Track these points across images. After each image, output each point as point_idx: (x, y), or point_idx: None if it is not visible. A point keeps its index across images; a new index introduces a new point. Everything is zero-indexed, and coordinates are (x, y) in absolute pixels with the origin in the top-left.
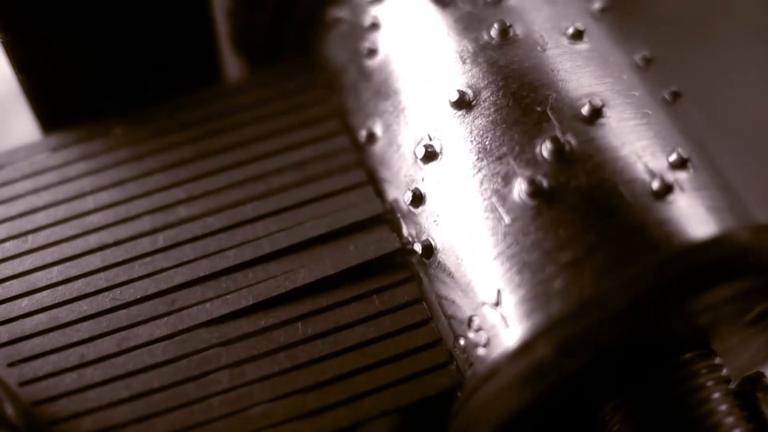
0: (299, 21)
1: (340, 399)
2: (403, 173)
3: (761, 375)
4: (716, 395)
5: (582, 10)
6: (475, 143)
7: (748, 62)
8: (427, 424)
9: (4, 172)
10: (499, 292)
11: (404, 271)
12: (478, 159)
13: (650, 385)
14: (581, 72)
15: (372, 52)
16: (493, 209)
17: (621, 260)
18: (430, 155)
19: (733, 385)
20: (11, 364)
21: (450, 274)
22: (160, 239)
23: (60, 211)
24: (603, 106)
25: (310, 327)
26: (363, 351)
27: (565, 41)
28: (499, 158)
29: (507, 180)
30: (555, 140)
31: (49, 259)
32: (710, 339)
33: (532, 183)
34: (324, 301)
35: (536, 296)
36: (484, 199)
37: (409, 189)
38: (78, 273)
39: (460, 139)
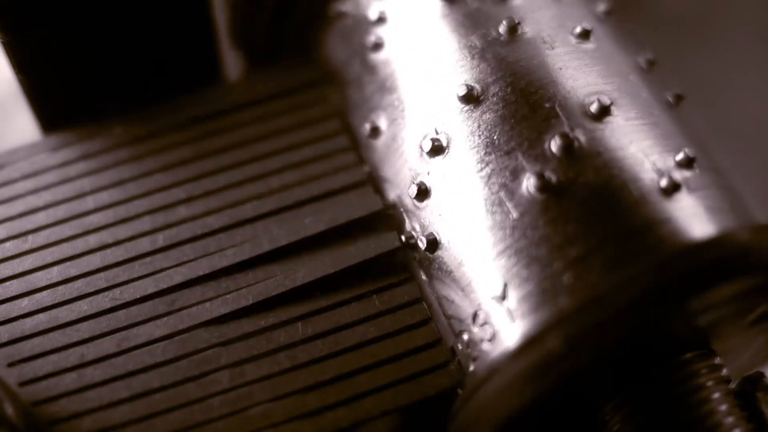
0: (299, 20)
1: (340, 399)
2: (407, 167)
3: (761, 375)
4: (716, 395)
5: (587, 11)
6: (482, 138)
7: (748, 62)
8: (427, 424)
9: (4, 172)
10: (505, 286)
11: (404, 270)
12: (486, 153)
13: (650, 385)
14: (589, 71)
15: (378, 45)
16: (501, 203)
17: (630, 256)
18: (437, 149)
19: (733, 385)
20: (11, 364)
21: (454, 270)
22: (160, 239)
23: (60, 211)
24: (611, 104)
25: (310, 327)
26: (363, 351)
27: (572, 40)
28: (508, 153)
29: (515, 175)
30: (564, 136)
31: (49, 259)
32: (710, 339)
33: (541, 178)
34: (324, 301)
35: (544, 291)
36: (492, 194)
37: (414, 183)
38: (78, 273)
39: (468, 134)
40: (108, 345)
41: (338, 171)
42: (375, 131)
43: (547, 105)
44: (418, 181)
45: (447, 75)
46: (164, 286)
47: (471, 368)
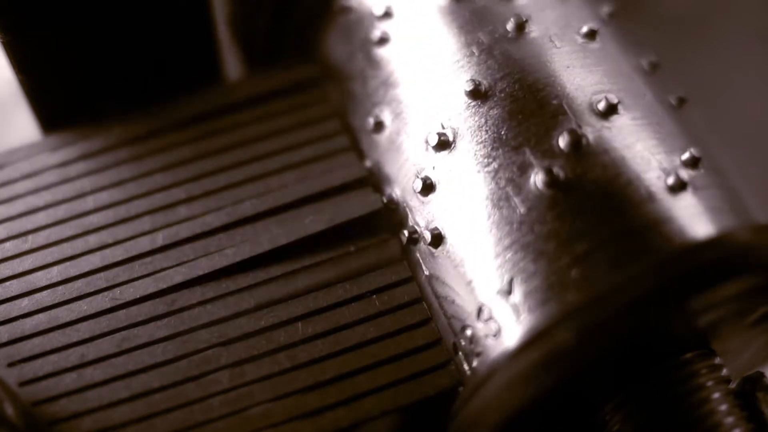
0: (300, 20)
1: (340, 399)
2: (411, 162)
3: (761, 375)
4: (716, 395)
5: (592, 12)
6: (490, 133)
7: (748, 62)
8: (427, 424)
9: (4, 172)
10: (511, 281)
11: (404, 270)
12: (493, 149)
13: (650, 385)
14: (595, 70)
15: (383, 40)
16: (508, 198)
17: (637, 253)
18: (443, 144)
19: (733, 385)
20: (11, 364)
21: (458, 265)
22: (160, 239)
23: (60, 211)
24: (618, 102)
25: (310, 327)
26: (363, 351)
27: (578, 39)
28: (515, 148)
29: (523, 170)
30: (572, 132)
31: (49, 259)
32: (711, 339)
33: (549, 173)
34: (324, 301)
35: (551, 285)
36: (499, 188)
37: (418, 177)
38: (78, 273)
39: (475, 129)
40: (108, 345)
41: (338, 171)
42: (379, 126)
43: (554, 102)
44: (422, 175)
45: (454, 71)
46: (164, 286)
47: (474, 364)
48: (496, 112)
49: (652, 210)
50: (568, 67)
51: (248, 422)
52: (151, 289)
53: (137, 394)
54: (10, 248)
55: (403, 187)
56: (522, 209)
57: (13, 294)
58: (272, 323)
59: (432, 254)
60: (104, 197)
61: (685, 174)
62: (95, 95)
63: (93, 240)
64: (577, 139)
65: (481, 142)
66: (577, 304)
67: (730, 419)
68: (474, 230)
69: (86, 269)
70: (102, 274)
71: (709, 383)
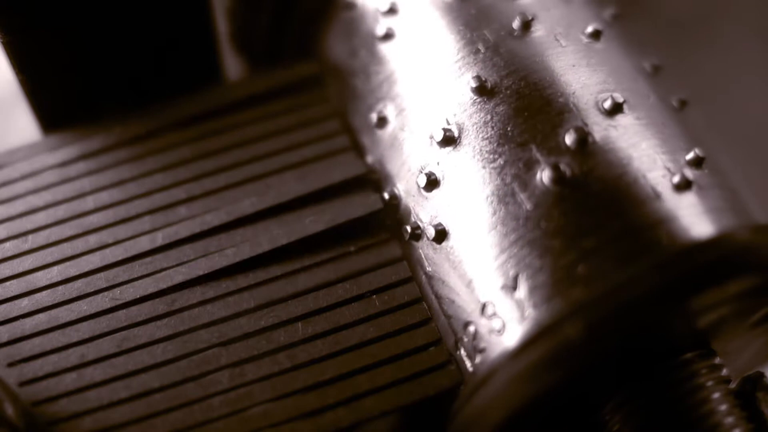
0: (301, 19)
1: (340, 399)
2: (415, 157)
3: (761, 375)
4: (716, 395)
5: (595, 14)
6: (496, 129)
7: (748, 63)
8: (427, 424)
9: (4, 172)
10: (516, 276)
11: (404, 270)
12: (499, 145)
13: (650, 384)
14: (600, 69)
15: (388, 36)
16: (514, 194)
17: (645, 250)
18: (448, 139)
19: (733, 385)
20: (11, 364)
21: (462, 260)
22: (160, 239)
23: (60, 211)
24: (624, 102)
25: (310, 327)
26: (363, 351)
27: (583, 39)
28: (522, 145)
29: (529, 166)
30: (579, 130)
31: (49, 259)
32: (711, 339)
33: (556, 170)
34: (324, 301)
35: (557, 281)
36: (505, 184)
37: (422, 172)
38: (78, 273)
39: (481, 125)
40: (108, 345)
41: (338, 169)
42: (382, 121)
43: (560, 100)
44: (427, 170)
45: (459, 67)
46: (164, 286)
47: (477, 360)
48: (502, 108)
49: (658, 208)
50: (573, 65)
51: (248, 422)
52: (151, 289)
53: (137, 394)
54: (10, 248)
55: (406, 182)
56: (528, 205)
57: (13, 294)
58: (272, 323)
59: (435, 250)
60: (104, 197)
61: (689, 173)
62: (95, 95)
63: (93, 240)
64: (583, 137)
65: (487, 138)
66: (584, 300)
67: (730, 419)
68: (479, 226)
69: (86, 269)
70: (102, 274)
71: (710, 383)
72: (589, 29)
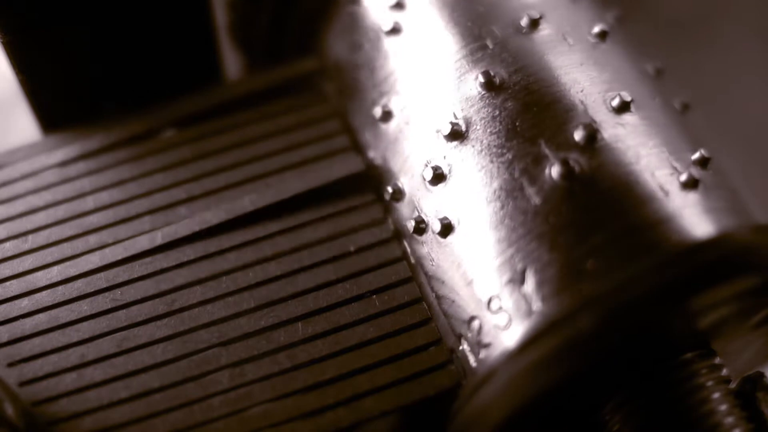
0: (303, 15)
1: (340, 399)
2: (420, 151)
3: (761, 375)
4: (716, 395)
5: (599, 16)
6: (504, 124)
7: (748, 63)
8: (427, 424)
9: (4, 172)
10: (524, 270)
11: (404, 270)
12: (507, 139)
13: (650, 384)
14: (607, 69)
15: (395, 30)
16: (522, 189)
17: (654, 246)
18: (456, 134)
19: (733, 385)
20: (11, 364)
21: (468, 254)
22: (159, 239)
23: (60, 211)
24: (632, 100)
25: (310, 327)
26: (363, 351)
27: (590, 39)
28: (530, 140)
29: (538, 161)
30: (588, 126)
31: (49, 259)
32: (711, 339)
33: (566, 165)
34: (324, 301)
35: (565, 276)
36: (513, 179)
37: (428, 166)
38: (78, 273)
39: (489, 120)
40: (108, 345)
41: (337, 168)
42: (387, 115)
43: (569, 96)
44: (433, 164)
45: (467, 62)
46: (164, 286)
47: (481, 355)
48: (510, 104)
49: (665, 206)
50: (581, 64)
51: (248, 422)
52: (152, 290)
53: (137, 394)
54: (10, 248)
55: (410, 176)
56: (537, 200)
57: (13, 294)
58: (272, 323)
59: (439, 244)
60: (104, 197)
61: (696, 173)
62: (95, 95)
63: (93, 240)
64: (592, 133)
65: (495, 132)
66: (595, 294)
67: (730, 419)
68: (486, 219)
69: (86, 269)
70: (102, 274)
71: (710, 383)
72: (596, 30)
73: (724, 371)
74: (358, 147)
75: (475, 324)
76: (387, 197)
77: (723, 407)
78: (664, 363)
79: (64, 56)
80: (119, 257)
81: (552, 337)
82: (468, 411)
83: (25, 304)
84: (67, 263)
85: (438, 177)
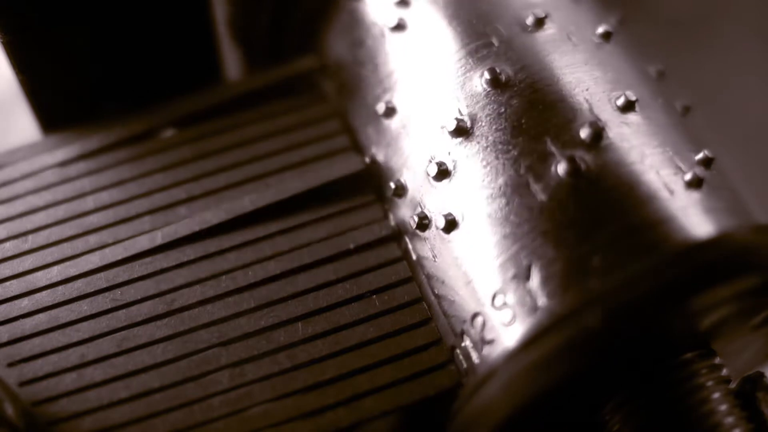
0: (304, 13)
1: (340, 399)
2: (424, 147)
3: (761, 375)
4: (716, 395)
5: (602, 17)
6: (509, 121)
7: (748, 63)
8: (427, 424)
9: (4, 172)
10: (529, 267)
11: (404, 270)
12: (512, 136)
13: (650, 384)
14: (611, 69)
15: (400, 27)
16: (528, 185)
17: (660, 244)
18: (461, 130)
19: (733, 385)
20: (11, 364)
21: (472, 251)
22: (159, 239)
23: (60, 211)
24: (636, 100)
25: (310, 327)
26: (363, 351)
27: (594, 39)
28: (536, 137)
29: (544, 158)
30: (593, 124)
31: (49, 259)
32: (712, 339)
33: (572, 162)
34: (324, 301)
35: (571, 272)
36: (518, 176)
37: (433, 162)
38: (78, 273)
39: (494, 116)
40: (108, 345)
41: (337, 168)
42: (390, 111)
43: (574, 95)
44: (437, 160)
45: (473, 59)
46: (164, 286)
47: (484, 352)
48: (516, 101)
49: (671, 204)
50: (586, 63)
51: (248, 422)
52: (152, 290)
53: (137, 394)
54: (10, 248)
55: (414, 172)
56: (542, 196)
57: (13, 294)
58: (272, 323)
59: (443, 240)
60: (104, 197)
61: (700, 172)
62: (95, 95)
63: (93, 240)
64: (598, 131)
65: (501, 129)
66: (602, 291)
67: (730, 419)
68: (491, 215)
69: (86, 269)
70: (102, 274)
71: (710, 383)
72: (600, 30)
73: (724, 371)
74: (358, 147)
75: (479, 320)
76: (389, 193)
77: (723, 407)
78: (664, 363)
79: (64, 56)
80: (119, 257)
81: (557, 333)
82: (468, 411)
83: (25, 304)
84: (67, 263)
85: (442, 173)
